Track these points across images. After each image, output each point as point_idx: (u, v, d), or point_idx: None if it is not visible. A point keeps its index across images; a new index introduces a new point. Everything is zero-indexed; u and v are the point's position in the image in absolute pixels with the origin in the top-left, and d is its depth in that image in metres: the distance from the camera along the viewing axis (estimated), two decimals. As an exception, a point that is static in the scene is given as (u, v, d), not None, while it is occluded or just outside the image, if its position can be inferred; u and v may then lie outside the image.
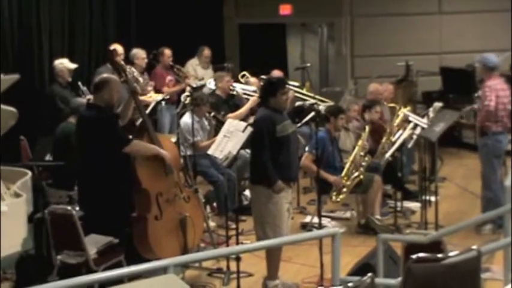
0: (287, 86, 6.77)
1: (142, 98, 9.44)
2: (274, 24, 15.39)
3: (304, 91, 10.47)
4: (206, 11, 13.61)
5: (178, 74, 10.60)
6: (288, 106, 6.86)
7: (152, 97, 9.90)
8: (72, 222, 5.91)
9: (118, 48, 8.98)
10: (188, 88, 9.74)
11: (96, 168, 6.27)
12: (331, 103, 9.80)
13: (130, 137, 6.42)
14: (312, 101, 9.69)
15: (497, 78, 8.27)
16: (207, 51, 11.56)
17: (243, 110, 9.29)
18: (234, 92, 9.76)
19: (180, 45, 11.27)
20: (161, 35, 11.75)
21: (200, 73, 11.26)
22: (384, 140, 8.94)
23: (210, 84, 10.00)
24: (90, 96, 8.37)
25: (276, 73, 10.52)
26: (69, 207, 6.07)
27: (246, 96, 9.70)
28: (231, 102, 9.70)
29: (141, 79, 9.78)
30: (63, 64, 9.13)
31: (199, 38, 12.18)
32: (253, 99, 9.33)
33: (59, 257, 6.08)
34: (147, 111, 8.58)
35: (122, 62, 7.31)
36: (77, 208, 6.36)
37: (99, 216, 6.25)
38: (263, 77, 10.01)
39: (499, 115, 8.11)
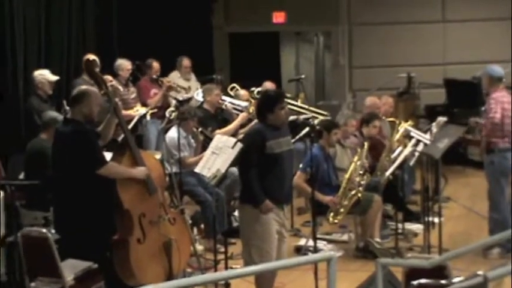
0: (285, 100, 6.74)
1: (128, 112, 9.46)
2: (267, 33, 15.44)
3: (298, 103, 10.48)
4: (194, 19, 13.61)
5: (162, 86, 10.61)
6: (285, 121, 6.81)
7: (139, 111, 9.91)
8: (47, 246, 5.87)
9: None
10: (174, 102, 9.75)
11: (73, 187, 6.25)
12: (328, 117, 9.82)
13: (109, 157, 6.39)
14: (307, 115, 9.70)
15: (503, 91, 8.30)
16: (186, 62, 11.51)
17: (232, 126, 9.32)
18: (223, 106, 9.76)
19: (166, 56, 11.27)
20: (145, 45, 11.75)
21: (183, 86, 11.24)
22: (383, 156, 8.95)
23: (198, 96, 10.01)
24: None
25: (268, 85, 10.54)
26: (44, 230, 6.05)
27: (236, 112, 9.71)
28: (220, 117, 9.71)
29: (120, 88, 9.76)
30: (44, 75, 9.01)
31: (186, 48, 12.16)
32: (242, 116, 9.38)
33: (32, 284, 6.05)
34: (130, 126, 8.61)
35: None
36: (53, 231, 6.33)
37: (77, 239, 6.20)
38: (253, 89, 10.04)
39: (505, 129, 8.12)
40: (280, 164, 6.50)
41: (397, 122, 9.39)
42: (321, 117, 10.04)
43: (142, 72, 10.83)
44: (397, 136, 9.11)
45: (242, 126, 9.38)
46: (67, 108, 8.79)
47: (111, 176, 6.29)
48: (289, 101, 10.11)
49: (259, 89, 10.18)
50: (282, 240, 6.65)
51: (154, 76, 10.75)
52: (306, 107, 10.31)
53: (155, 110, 10.26)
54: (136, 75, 10.77)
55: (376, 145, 9.11)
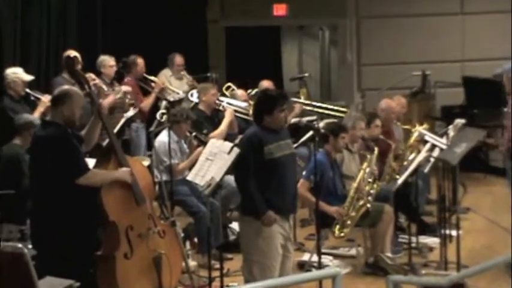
0: (286, 102, 6.71)
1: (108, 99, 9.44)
2: (267, 28, 15.45)
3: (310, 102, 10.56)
4: (187, 12, 13.61)
5: (152, 86, 10.62)
6: (285, 124, 6.80)
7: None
8: (23, 262, 5.83)
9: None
10: (164, 103, 9.73)
11: (52, 197, 6.24)
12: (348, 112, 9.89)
13: (92, 164, 6.38)
14: (310, 117, 9.73)
15: (526, 91, 8.31)
16: (178, 59, 11.53)
17: (223, 126, 9.35)
18: (220, 107, 9.76)
19: (156, 53, 11.28)
20: (133, 40, 11.74)
21: (175, 85, 11.25)
22: (389, 157, 8.92)
23: (193, 97, 10.01)
24: (44, 97, 8.39)
25: (265, 85, 10.53)
26: (19, 245, 6.01)
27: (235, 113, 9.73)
28: (216, 119, 9.70)
29: (105, 87, 9.75)
30: (17, 74, 9.02)
31: (178, 44, 12.17)
32: (229, 112, 9.39)
33: (7, 304, 6.03)
34: (116, 130, 8.61)
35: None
36: (30, 246, 6.31)
37: (57, 255, 6.21)
38: (250, 91, 10.06)
39: (528, 133, 8.13)
40: (281, 170, 6.50)
41: (413, 129, 9.38)
42: (343, 115, 10.13)
43: (128, 70, 10.81)
44: (411, 140, 9.10)
45: (241, 131, 9.38)
46: (33, 92, 8.80)
47: (91, 185, 6.28)
48: (303, 101, 10.25)
49: (256, 90, 10.22)
50: (287, 256, 6.65)
51: (144, 75, 10.75)
52: (322, 105, 10.40)
53: (137, 109, 10.17)
54: (123, 73, 10.76)
55: (381, 147, 9.07)
